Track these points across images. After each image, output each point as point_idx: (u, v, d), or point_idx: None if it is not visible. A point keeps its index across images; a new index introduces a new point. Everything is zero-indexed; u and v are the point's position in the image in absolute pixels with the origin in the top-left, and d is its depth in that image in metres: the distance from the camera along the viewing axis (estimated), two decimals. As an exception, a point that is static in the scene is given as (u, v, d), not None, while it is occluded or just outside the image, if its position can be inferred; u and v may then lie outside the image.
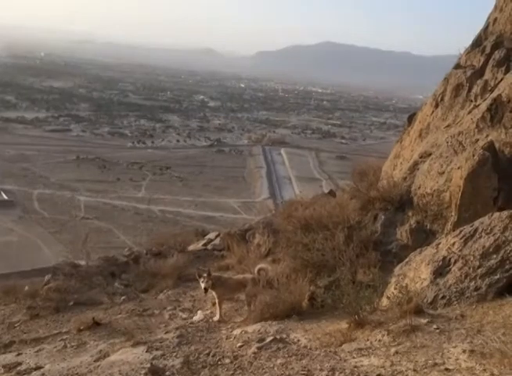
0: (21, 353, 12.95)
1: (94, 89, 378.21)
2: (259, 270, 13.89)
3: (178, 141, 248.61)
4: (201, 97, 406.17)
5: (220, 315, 13.66)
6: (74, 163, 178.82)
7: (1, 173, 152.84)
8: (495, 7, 18.57)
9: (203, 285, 13.60)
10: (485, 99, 15.86)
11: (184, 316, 14.93)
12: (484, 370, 7.53)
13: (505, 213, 11.17)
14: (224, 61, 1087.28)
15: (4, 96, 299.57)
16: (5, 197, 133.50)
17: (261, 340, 10.58)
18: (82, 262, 21.77)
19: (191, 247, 22.81)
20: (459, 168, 13.91)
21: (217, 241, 22.99)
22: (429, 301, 10.82)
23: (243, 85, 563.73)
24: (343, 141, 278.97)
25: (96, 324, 14.29)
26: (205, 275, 13.60)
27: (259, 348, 10.13)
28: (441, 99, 18.65)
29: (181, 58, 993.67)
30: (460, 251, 11.20)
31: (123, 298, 17.21)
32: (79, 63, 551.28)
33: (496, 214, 11.34)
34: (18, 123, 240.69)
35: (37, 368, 11.43)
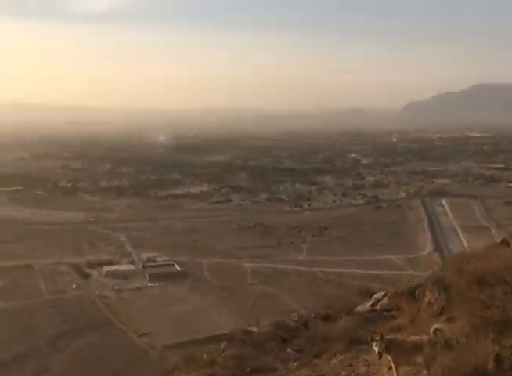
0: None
1: (250, 159, 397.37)
2: (435, 330, 13.21)
3: (333, 201, 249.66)
4: (353, 155, 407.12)
5: (397, 380, 13.12)
6: (237, 231, 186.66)
7: (173, 246, 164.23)
8: None
9: (376, 349, 13.20)
10: None
11: (360, 381, 14.54)
12: None
13: None
14: (371, 117, 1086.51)
15: (171, 175, 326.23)
16: (178, 268, 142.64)
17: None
18: (254, 329, 22.24)
19: (358, 309, 22.35)
20: None
21: (384, 301, 22.31)
22: None
23: (394, 139, 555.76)
24: (510, 185, 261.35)
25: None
26: (378, 338, 13.21)
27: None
28: None
29: (327, 120, 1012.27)
30: None
31: (296, 363, 17.22)
32: (232, 136, 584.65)
33: None
34: (185, 198, 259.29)
35: None
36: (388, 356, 13.45)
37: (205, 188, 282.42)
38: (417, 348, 13.29)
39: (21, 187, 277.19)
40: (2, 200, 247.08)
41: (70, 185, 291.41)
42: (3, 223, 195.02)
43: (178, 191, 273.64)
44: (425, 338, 13.51)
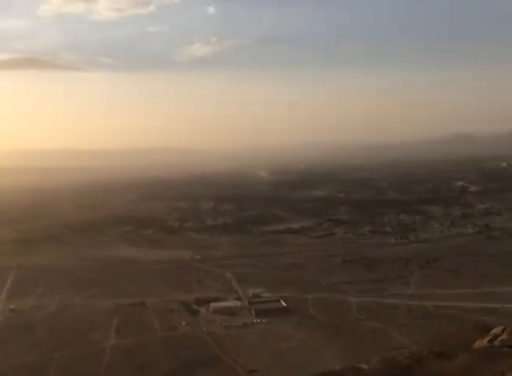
0: None
1: (350, 192, 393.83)
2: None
3: (442, 231, 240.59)
4: (460, 183, 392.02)
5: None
6: (341, 265, 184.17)
7: (277, 281, 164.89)
8: None
9: (498, 388, 12.62)
10: None
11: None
12: None
13: None
14: (476, 143, 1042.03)
15: (272, 210, 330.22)
16: (284, 303, 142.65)
17: None
18: (364, 366, 21.87)
19: (476, 345, 21.43)
20: None
21: (504, 336, 21.26)
22: None
23: (504, 164, 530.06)
24: None
25: None
26: (499, 376, 12.65)
27: None
28: None
29: (428, 147, 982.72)
30: None
31: (412, 402, 16.73)
32: (332, 170, 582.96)
33: None
34: (287, 233, 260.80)
35: None
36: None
37: (307, 223, 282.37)
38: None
39: (131, 228, 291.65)
40: (114, 240, 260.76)
41: (177, 224, 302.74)
42: (116, 263, 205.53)
43: (280, 226, 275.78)
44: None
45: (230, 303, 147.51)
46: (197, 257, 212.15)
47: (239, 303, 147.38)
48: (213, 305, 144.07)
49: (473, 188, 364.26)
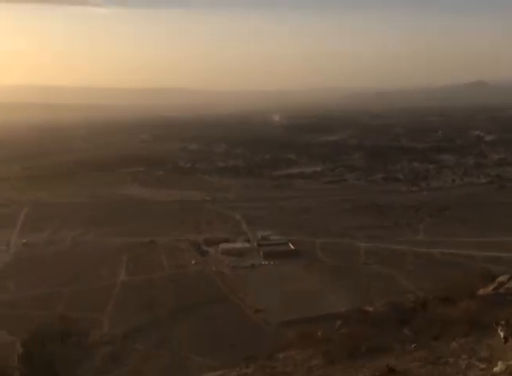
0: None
1: (365, 138, 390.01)
2: None
3: (453, 180, 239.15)
4: (476, 132, 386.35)
5: (525, 367, 12.30)
6: (351, 211, 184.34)
7: (287, 225, 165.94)
8: None
9: (502, 334, 12.47)
10: None
11: (482, 366, 13.79)
12: None
13: None
14: (493, 92, 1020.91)
15: (285, 155, 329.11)
16: (292, 247, 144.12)
17: None
18: (369, 308, 21.93)
19: (481, 292, 21.30)
20: None
21: (509, 285, 21.10)
22: None
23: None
24: None
25: (391, 371, 14.09)
26: (503, 322, 12.46)
27: None
28: None
29: (446, 95, 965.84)
30: None
31: (414, 345, 16.73)
32: (348, 116, 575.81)
33: None
34: (299, 178, 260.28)
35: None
36: (515, 342, 12.66)
37: (319, 168, 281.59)
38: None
39: (143, 168, 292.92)
40: (126, 180, 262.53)
41: (188, 165, 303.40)
42: (127, 202, 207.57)
43: (293, 171, 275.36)
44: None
45: (239, 245, 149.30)
46: (208, 198, 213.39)
47: (247, 245, 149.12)
48: (222, 245, 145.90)
49: (488, 138, 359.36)
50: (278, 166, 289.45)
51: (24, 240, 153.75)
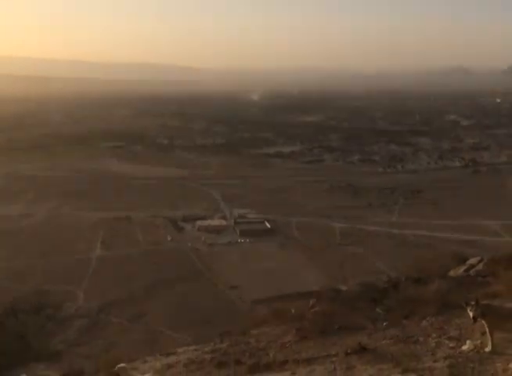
0: (295, 373, 13.68)
1: (343, 120, 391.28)
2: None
3: (428, 163, 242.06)
4: (452, 117, 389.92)
5: (492, 346, 12.73)
6: (328, 191, 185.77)
7: (264, 203, 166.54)
8: None
9: (471, 314, 12.83)
10: None
11: (451, 344, 14.20)
12: None
13: None
14: (473, 78, 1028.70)
15: (263, 134, 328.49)
16: (268, 225, 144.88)
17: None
18: (343, 287, 22.33)
19: (452, 273, 21.81)
20: None
21: (480, 267, 21.62)
22: None
23: (498, 100, 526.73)
24: None
25: (363, 349, 14.43)
26: (473, 303, 12.83)
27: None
28: None
29: (428, 79, 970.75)
30: None
31: (385, 323, 17.12)
32: (328, 97, 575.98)
33: None
34: (276, 157, 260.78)
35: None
36: (483, 322, 13.06)
37: (297, 148, 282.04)
38: (514, 315, 12.80)
39: (122, 143, 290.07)
40: (104, 154, 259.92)
41: (167, 142, 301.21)
42: (105, 177, 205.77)
43: (271, 150, 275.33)
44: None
45: (216, 222, 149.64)
46: (186, 175, 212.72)
47: (224, 222, 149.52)
48: (198, 222, 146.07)
49: (465, 122, 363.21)
50: (256, 145, 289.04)
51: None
